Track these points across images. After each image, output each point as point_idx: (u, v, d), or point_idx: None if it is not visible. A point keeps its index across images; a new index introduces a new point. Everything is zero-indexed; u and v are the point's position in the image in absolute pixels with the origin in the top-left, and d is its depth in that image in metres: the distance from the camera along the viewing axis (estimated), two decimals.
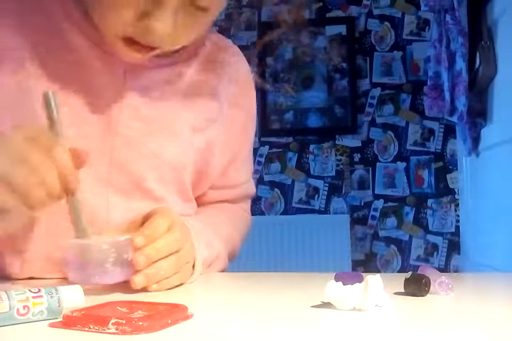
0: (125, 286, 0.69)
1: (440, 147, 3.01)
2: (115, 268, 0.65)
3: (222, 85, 0.88)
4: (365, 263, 2.99)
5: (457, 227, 2.96)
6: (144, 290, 0.68)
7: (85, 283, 0.62)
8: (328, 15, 3.13)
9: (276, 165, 3.08)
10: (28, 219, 0.75)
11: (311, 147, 3.07)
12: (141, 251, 0.66)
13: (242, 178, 0.99)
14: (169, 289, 0.70)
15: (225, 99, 0.89)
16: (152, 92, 0.81)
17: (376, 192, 3.03)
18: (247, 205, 1.04)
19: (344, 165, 3.06)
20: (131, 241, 0.67)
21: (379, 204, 3.02)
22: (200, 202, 0.94)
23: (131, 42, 0.71)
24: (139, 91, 0.80)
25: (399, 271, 2.94)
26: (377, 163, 3.04)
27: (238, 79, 0.91)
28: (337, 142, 3.06)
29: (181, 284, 0.73)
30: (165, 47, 0.73)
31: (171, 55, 0.83)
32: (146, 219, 0.74)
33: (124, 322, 0.45)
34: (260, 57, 2.98)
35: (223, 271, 0.89)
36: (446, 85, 2.51)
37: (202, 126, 0.85)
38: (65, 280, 0.73)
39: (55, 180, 0.62)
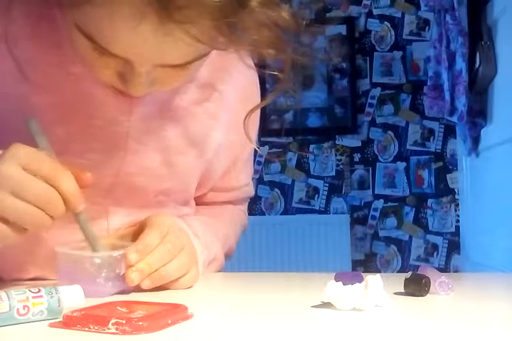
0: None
1: (440, 147, 3.01)
2: (107, 283, 0.65)
3: (227, 90, 0.86)
4: (365, 263, 2.99)
5: (457, 227, 2.96)
6: (145, 290, 0.68)
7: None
8: (328, 15, 3.13)
9: (276, 165, 3.08)
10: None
11: (311, 147, 3.07)
12: (135, 267, 0.66)
13: (243, 181, 0.99)
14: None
15: (230, 103, 0.87)
16: (161, 104, 0.78)
17: (376, 192, 3.03)
18: (245, 206, 1.05)
19: (344, 165, 3.06)
20: (123, 256, 0.66)
21: (379, 204, 3.02)
22: (199, 202, 0.94)
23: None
24: (147, 103, 0.77)
25: (399, 271, 2.94)
26: (377, 163, 3.04)
27: (242, 83, 0.89)
28: (337, 142, 3.06)
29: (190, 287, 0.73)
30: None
31: None
32: (141, 226, 0.74)
33: (124, 322, 0.45)
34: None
35: (219, 271, 0.89)
36: (446, 85, 2.51)
37: (210, 134, 0.84)
38: None
39: (62, 208, 0.61)
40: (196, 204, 0.93)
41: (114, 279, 0.65)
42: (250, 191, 1.03)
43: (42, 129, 0.64)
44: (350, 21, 3.09)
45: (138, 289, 0.67)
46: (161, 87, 0.68)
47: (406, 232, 2.99)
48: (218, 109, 0.84)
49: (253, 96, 0.90)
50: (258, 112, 0.93)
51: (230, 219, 0.96)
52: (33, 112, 0.70)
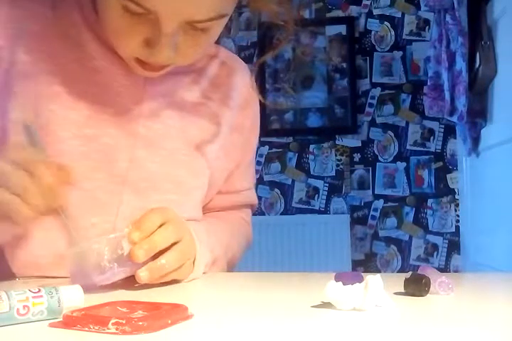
0: (125, 286, 0.69)
1: (440, 147, 3.01)
2: (112, 264, 0.66)
3: (230, 94, 0.93)
4: (365, 263, 2.99)
5: (457, 227, 2.96)
6: (145, 287, 0.68)
7: (92, 289, 0.63)
8: (328, 15, 3.13)
9: (276, 165, 3.08)
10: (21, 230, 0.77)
11: (311, 147, 3.07)
12: (139, 245, 0.66)
13: (245, 185, 1.01)
14: (166, 283, 0.70)
15: (232, 107, 0.93)
16: (170, 97, 0.86)
17: (376, 192, 3.03)
18: (248, 216, 1.05)
19: (344, 165, 3.05)
20: (122, 237, 0.67)
21: (379, 204, 3.02)
22: (203, 208, 0.95)
23: (142, 62, 0.76)
24: (157, 96, 0.84)
25: (399, 271, 2.94)
26: (377, 163, 3.04)
27: (243, 90, 0.95)
28: (337, 142, 3.06)
29: (180, 281, 0.73)
30: (174, 65, 0.78)
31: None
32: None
33: (124, 322, 0.45)
34: (260, 57, 2.98)
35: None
36: (446, 85, 2.51)
37: (213, 131, 0.90)
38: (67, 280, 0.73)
39: (37, 197, 0.65)
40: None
41: (118, 260, 0.66)
42: (253, 197, 1.04)
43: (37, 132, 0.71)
44: (350, 21, 3.09)
45: (133, 285, 0.67)
46: (181, 58, 0.75)
47: (406, 232, 2.99)
48: (221, 107, 0.91)
49: (252, 102, 0.97)
50: (258, 117, 1.00)
51: (233, 228, 0.97)
52: (53, 99, 0.78)
